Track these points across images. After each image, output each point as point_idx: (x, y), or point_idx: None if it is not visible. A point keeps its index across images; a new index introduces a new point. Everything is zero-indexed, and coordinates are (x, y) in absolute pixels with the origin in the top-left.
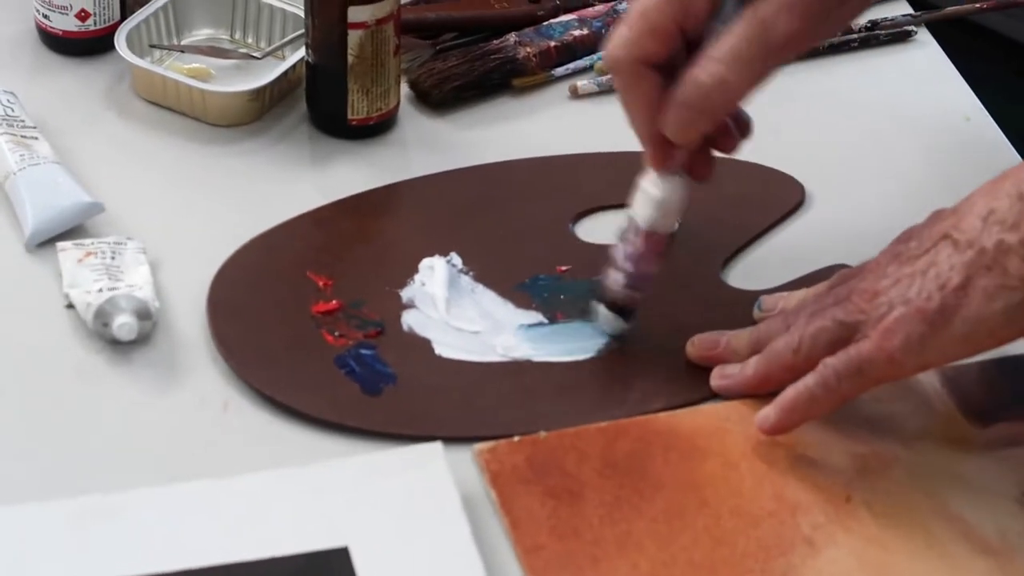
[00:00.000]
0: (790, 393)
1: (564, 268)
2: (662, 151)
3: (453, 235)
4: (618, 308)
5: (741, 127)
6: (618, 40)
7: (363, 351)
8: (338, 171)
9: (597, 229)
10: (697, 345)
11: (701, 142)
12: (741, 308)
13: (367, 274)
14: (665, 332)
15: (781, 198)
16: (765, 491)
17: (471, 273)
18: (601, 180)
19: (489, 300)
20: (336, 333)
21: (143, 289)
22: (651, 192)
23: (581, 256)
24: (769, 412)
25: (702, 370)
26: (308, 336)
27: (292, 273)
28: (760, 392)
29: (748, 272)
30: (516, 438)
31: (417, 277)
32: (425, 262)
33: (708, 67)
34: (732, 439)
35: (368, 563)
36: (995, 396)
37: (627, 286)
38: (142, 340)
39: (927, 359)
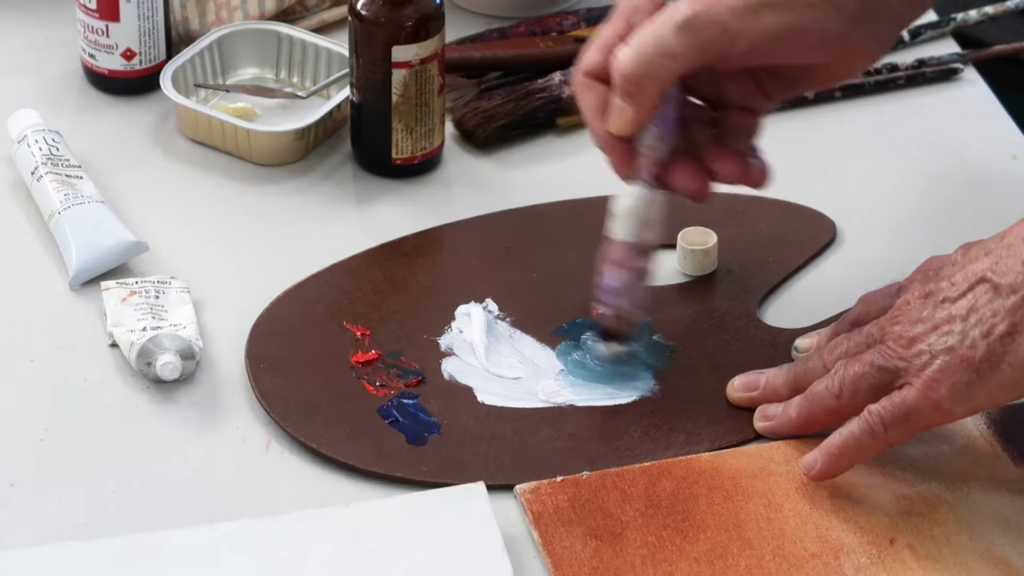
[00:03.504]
0: (836, 440)
1: (600, 311)
2: (619, 157)
3: (488, 280)
4: (601, 332)
5: (755, 172)
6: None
7: (406, 401)
8: (382, 210)
9: None
10: (738, 387)
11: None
12: (779, 347)
13: (404, 323)
14: (706, 373)
15: (814, 236)
16: (808, 532)
17: (508, 319)
18: None
19: (527, 345)
20: (377, 383)
21: (187, 328)
22: (617, 201)
23: None
24: (815, 458)
25: (745, 411)
26: (349, 387)
27: (329, 324)
28: (803, 434)
29: (785, 310)
30: (559, 478)
31: (454, 324)
32: (461, 309)
33: (621, 48)
34: (775, 480)
35: None
36: None
37: (602, 302)
38: (185, 379)
39: (975, 405)
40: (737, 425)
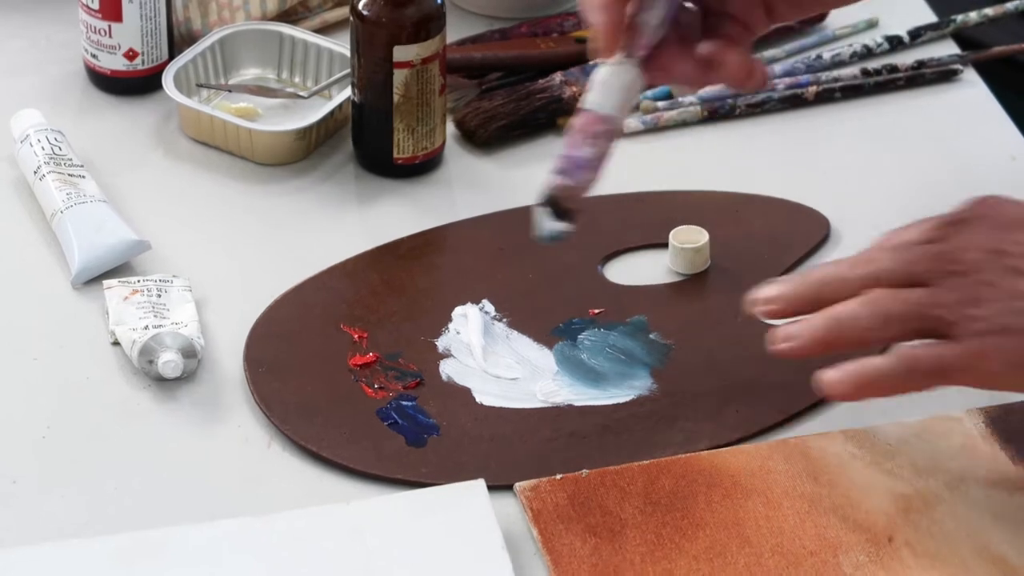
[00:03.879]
0: (866, 371)
1: (596, 311)
2: (612, 26)
3: (485, 281)
4: (552, 204)
5: (754, 72)
6: None
7: (404, 403)
8: (383, 210)
9: (625, 271)
10: (757, 300)
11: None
12: None
13: (401, 325)
14: (703, 371)
15: (807, 233)
16: (807, 530)
17: (505, 320)
18: (629, 221)
19: (525, 346)
20: (376, 385)
21: (188, 327)
22: (606, 71)
23: (612, 298)
24: (835, 377)
25: (745, 408)
26: (348, 389)
27: (326, 327)
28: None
29: None
30: (558, 476)
31: (451, 326)
32: (458, 310)
33: None
34: (775, 478)
35: None
36: None
37: (557, 171)
38: (187, 377)
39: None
40: (736, 423)
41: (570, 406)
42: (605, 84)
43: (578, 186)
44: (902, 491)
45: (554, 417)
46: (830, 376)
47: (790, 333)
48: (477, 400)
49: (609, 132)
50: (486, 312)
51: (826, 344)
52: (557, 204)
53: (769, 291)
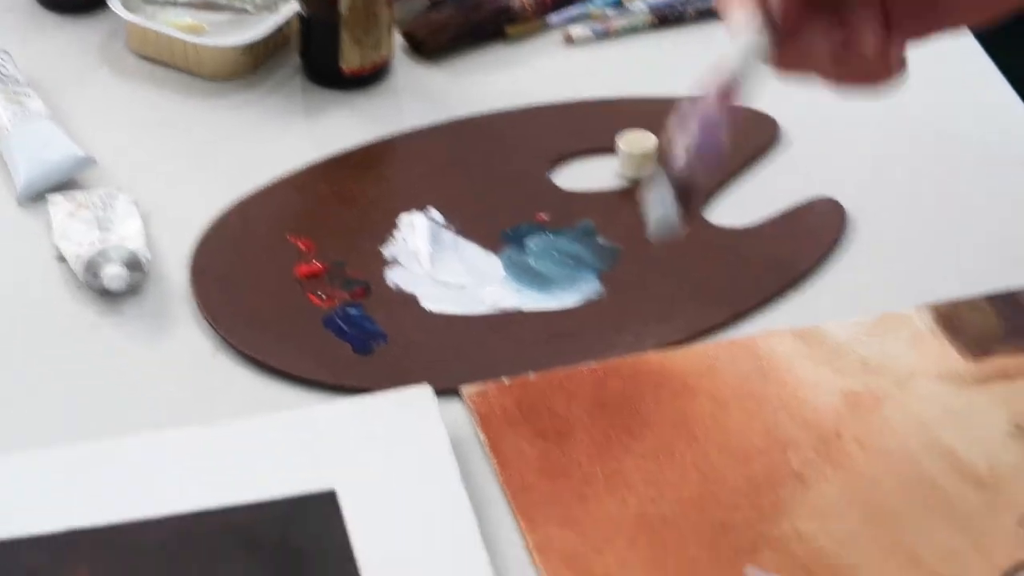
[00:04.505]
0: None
1: (544, 216)
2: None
3: (431, 190)
4: (682, 188)
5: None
6: None
7: (351, 311)
8: (332, 122)
9: (573, 176)
10: None
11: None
12: (726, 248)
13: (348, 234)
14: (651, 274)
15: (757, 136)
16: (755, 428)
17: (452, 227)
18: (579, 128)
19: (472, 253)
20: (322, 295)
21: (134, 241)
22: (739, 37)
23: (560, 204)
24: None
25: (693, 310)
26: (294, 299)
27: (272, 238)
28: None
29: (729, 210)
30: (505, 380)
31: (398, 234)
32: (405, 218)
33: None
34: (722, 378)
35: (355, 506)
36: (988, 331)
37: (695, 152)
38: (133, 291)
39: None
40: (684, 324)
41: (518, 311)
42: (753, 51)
43: (701, 162)
44: (851, 388)
45: (502, 322)
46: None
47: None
48: (424, 307)
49: (738, 101)
50: (433, 219)
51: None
52: (689, 190)
53: None
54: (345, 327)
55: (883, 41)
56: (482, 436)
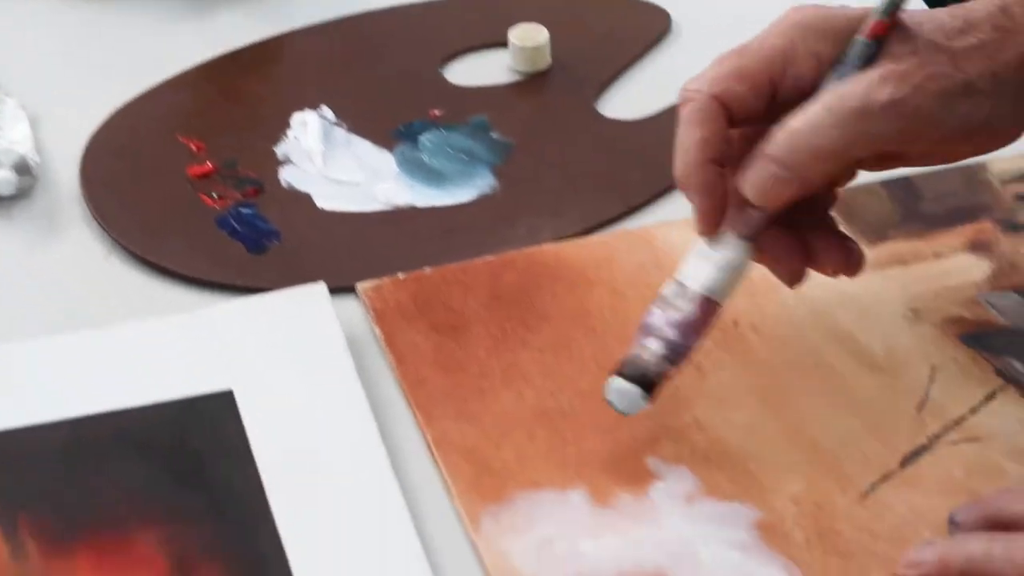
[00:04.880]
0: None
1: (437, 112)
2: (716, 212)
3: (323, 88)
4: (647, 383)
5: (848, 254)
6: (701, 74)
7: (243, 210)
8: (222, 20)
9: (466, 72)
10: (903, 563)
11: (794, 242)
12: (619, 140)
13: (239, 134)
14: (545, 167)
15: (648, 27)
16: None
17: (344, 125)
18: (470, 22)
19: (365, 150)
20: (214, 194)
21: (22, 145)
22: (718, 253)
23: (453, 99)
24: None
25: (588, 202)
26: (186, 200)
27: (163, 139)
28: None
29: (623, 102)
30: (401, 275)
31: (290, 133)
32: (297, 117)
33: (805, 113)
34: (619, 268)
35: (252, 404)
36: (883, 217)
37: (667, 358)
38: (22, 195)
39: None
40: (579, 216)
41: (412, 207)
42: (733, 267)
43: (678, 369)
44: (747, 275)
45: (396, 219)
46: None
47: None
48: (318, 205)
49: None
50: (325, 117)
51: None
52: (652, 384)
53: (914, 555)
54: (238, 227)
55: (844, 251)
56: (378, 332)
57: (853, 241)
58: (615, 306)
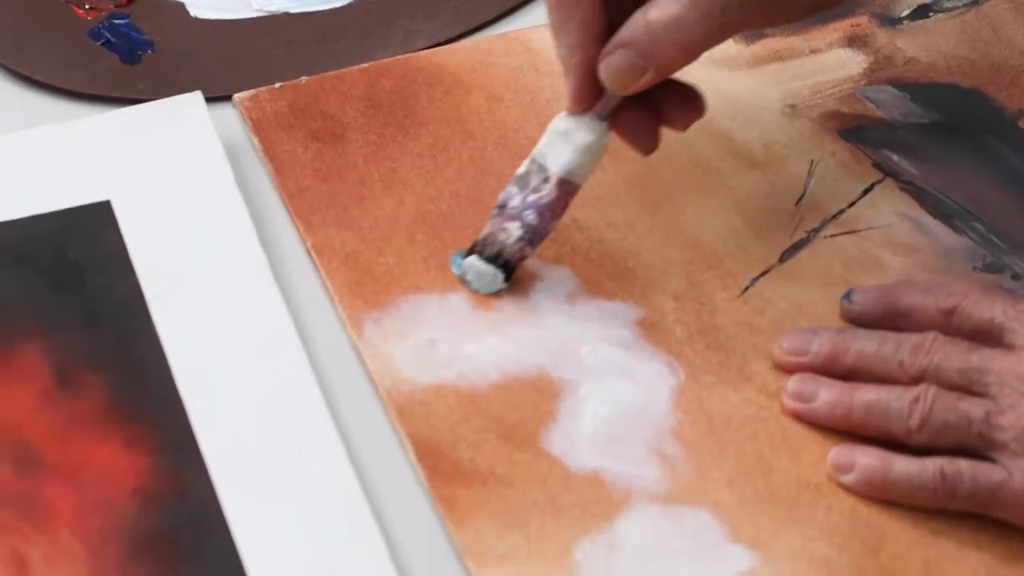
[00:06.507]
0: (893, 474)
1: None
2: (592, 91)
3: None
4: (503, 263)
5: (694, 104)
6: None
7: (116, 21)
8: None
9: None
10: (786, 350)
11: (645, 112)
12: None
13: None
14: None
15: None
16: (530, 121)
17: None
18: None
19: None
20: (86, 5)
21: None
22: (576, 134)
23: None
24: (851, 475)
25: (463, 5)
26: (58, 11)
27: None
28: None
29: None
30: (278, 85)
31: None
32: None
33: (663, 5)
34: (496, 72)
35: (131, 216)
36: None
37: (523, 239)
38: None
39: None
40: (454, 20)
41: (286, 13)
42: (592, 149)
43: (534, 250)
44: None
45: (271, 25)
46: (841, 461)
47: (807, 394)
48: (191, 14)
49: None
50: None
51: (849, 426)
52: (508, 266)
53: (799, 343)
54: (111, 37)
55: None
56: (256, 141)
57: (696, 92)
58: (492, 110)
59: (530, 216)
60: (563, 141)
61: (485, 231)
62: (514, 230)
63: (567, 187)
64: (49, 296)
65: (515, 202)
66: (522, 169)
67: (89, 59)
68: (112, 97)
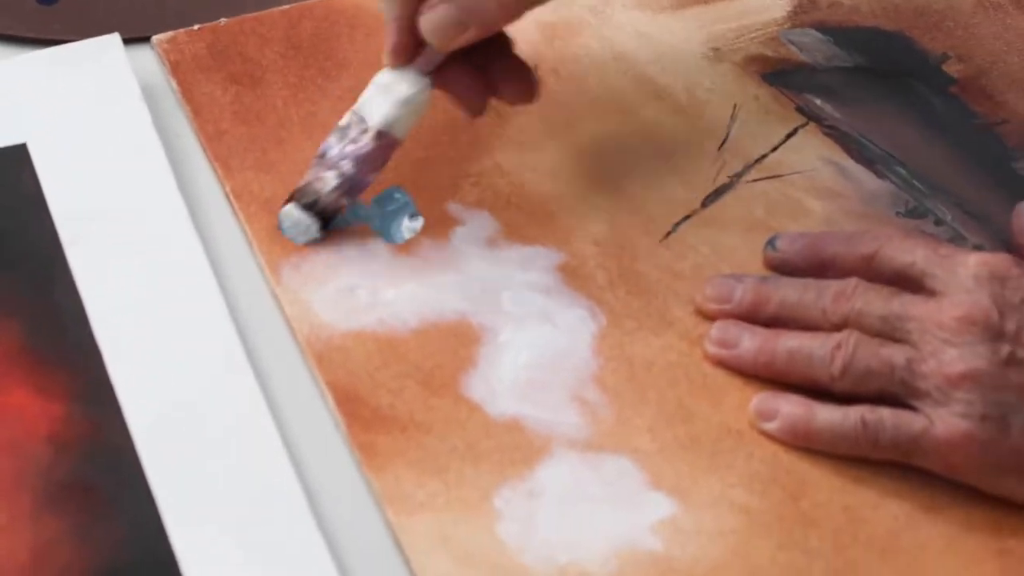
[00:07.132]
0: (817, 422)
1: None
2: (411, 45)
3: None
4: (319, 212)
5: (526, 86)
6: None
7: None
8: None
9: None
10: (709, 296)
11: (475, 75)
12: None
13: None
14: None
15: None
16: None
17: None
18: None
19: None
20: None
21: None
22: (396, 88)
23: None
24: (775, 422)
25: None
26: None
27: None
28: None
29: None
30: (196, 27)
31: None
32: None
33: None
34: None
35: (47, 157)
36: None
37: (339, 188)
38: None
39: (995, 489)
40: None
41: None
42: (411, 103)
43: (352, 201)
44: (546, 19)
45: None
46: (765, 409)
47: (730, 341)
48: None
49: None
50: None
51: (772, 373)
52: (324, 215)
53: (722, 290)
54: None
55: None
56: (174, 84)
57: (530, 69)
58: None
59: (347, 166)
60: (383, 94)
61: (304, 180)
62: (330, 179)
63: (385, 139)
64: None
65: (333, 152)
66: (344, 120)
67: (3, 0)
68: (28, 38)
